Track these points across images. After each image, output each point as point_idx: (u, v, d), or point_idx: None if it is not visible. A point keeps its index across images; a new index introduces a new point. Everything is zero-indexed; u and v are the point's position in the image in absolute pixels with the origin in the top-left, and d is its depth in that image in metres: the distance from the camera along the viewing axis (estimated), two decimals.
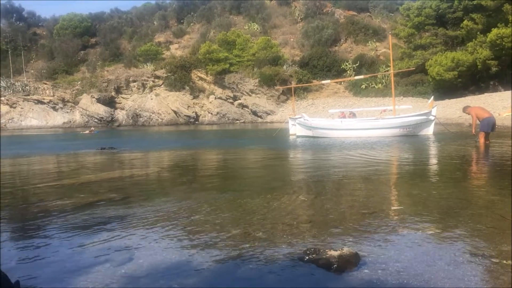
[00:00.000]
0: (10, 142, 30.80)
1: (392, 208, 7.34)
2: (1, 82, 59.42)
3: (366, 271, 4.44)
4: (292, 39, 60.33)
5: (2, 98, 58.78)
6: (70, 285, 4.42)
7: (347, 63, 52.87)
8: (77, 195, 9.42)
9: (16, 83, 59.91)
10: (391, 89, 28.21)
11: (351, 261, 4.51)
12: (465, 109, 18.21)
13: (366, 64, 52.45)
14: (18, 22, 71.84)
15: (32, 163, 17.58)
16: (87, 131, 39.16)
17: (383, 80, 49.33)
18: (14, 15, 72.60)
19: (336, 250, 4.61)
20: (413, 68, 43.00)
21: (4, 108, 59.08)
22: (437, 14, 47.26)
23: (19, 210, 8.44)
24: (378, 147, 18.30)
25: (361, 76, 37.95)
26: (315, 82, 49.18)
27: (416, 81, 46.88)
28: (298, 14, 64.29)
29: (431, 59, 44.70)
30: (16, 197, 9.94)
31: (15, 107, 59.05)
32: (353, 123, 24.96)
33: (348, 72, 52.16)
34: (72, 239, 6.09)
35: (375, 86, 49.73)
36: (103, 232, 6.32)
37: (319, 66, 53.83)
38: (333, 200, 7.87)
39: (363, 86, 49.94)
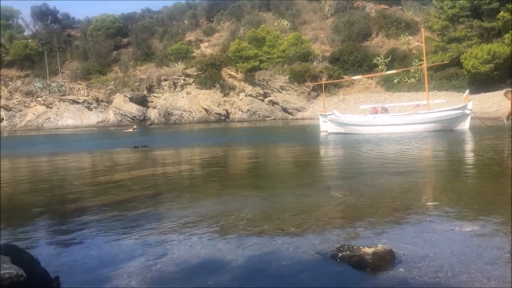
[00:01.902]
0: (48, 141, 31.72)
1: (428, 204, 7.18)
2: (38, 83, 61.30)
3: (401, 269, 4.35)
4: (322, 35, 59.81)
5: (39, 99, 60.64)
6: (107, 278, 4.51)
7: (378, 58, 52.06)
8: (112, 193, 9.60)
9: (52, 84, 61.64)
10: (424, 83, 27.60)
11: (386, 259, 4.43)
12: (507, 93, 17.90)
13: (398, 59, 51.52)
14: (53, 24, 73.78)
15: (68, 161, 18.05)
16: (130, 129, 40.04)
17: (416, 74, 48.36)
18: (49, 17, 74.55)
19: (370, 247, 4.54)
20: (447, 62, 41.94)
21: (41, 109, 60.87)
22: (472, 5, 45.92)
23: (57, 207, 8.67)
24: (412, 142, 17.95)
25: (393, 71, 37.22)
26: (346, 77, 48.57)
27: (450, 74, 45.76)
28: (328, 9, 63.66)
29: (466, 52, 43.48)
30: (54, 194, 10.22)
31: (51, 107, 60.78)
32: (386, 119, 24.55)
33: (380, 67, 51.36)
34: (108, 234, 6.21)
35: (408, 81, 48.82)
36: (137, 228, 6.43)
37: (350, 62, 53.19)
38: (366, 196, 7.76)
39: (395, 81, 49.10)
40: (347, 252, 4.54)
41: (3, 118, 60.51)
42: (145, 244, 5.63)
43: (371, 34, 58.45)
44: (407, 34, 56.31)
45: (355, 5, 64.01)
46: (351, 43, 54.85)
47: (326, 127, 25.67)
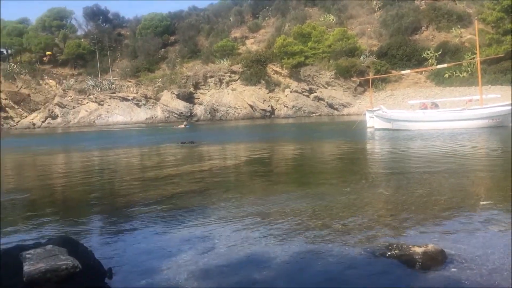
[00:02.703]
0: (100, 137, 32.86)
1: (480, 203, 6.92)
2: (90, 81, 63.59)
3: (453, 269, 4.23)
4: (369, 29, 58.66)
5: (91, 96, 62.91)
6: (157, 270, 4.63)
7: (428, 52, 50.52)
8: (161, 187, 9.84)
9: (103, 82, 63.81)
10: (477, 77, 26.57)
11: (437, 259, 4.31)
12: None
13: (449, 52, 49.83)
14: (104, 24, 76.25)
15: (119, 156, 18.64)
16: (181, 126, 40.95)
17: (469, 69, 46.59)
18: (101, 17, 77.10)
19: (420, 247, 4.43)
20: (502, 55, 40.16)
21: (93, 106, 63.13)
22: None
23: (108, 201, 8.99)
24: (463, 139, 17.32)
25: (444, 65, 36.01)
26: (394, 72, 47.42)
27: (505, 68, 43.83)
28: (376, 3, 62.34)
29: None
30: (105, 189, 10.59)
31: (102, 104, 62.93)
32: (436, 115, 23.79)
33: (430, 61, 49.84)
34: (157, 228, 6.38)
35: (460, 75, 47.13)
36: (185, 222, 6.56)
37: (398, 56, 51.93)
38: (416, 194, 7.57)
39: (446, 75, 47.53)
40: (396, 251, 4.45)
41: (57, 115, 63.15)
42: (192, 238, 5.74)
43: (420, 27, 56.74)
44: (459, 26, 54.25)
45: None
46: (400, 36, 53.49)
47: (372, 123, 25.19)
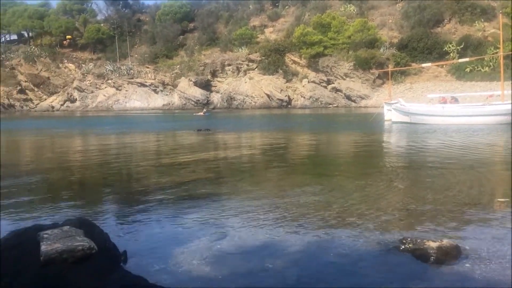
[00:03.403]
0: (118, 122, 33.16)
1: (497, 200, 6.83)
2: (109, 66, 64.08)
3: (467, 265, 4.19)
4: (390, 21, 57.88)
5: (110, 81, 63.43)
6: (170, 255, 4.69)
7: (450, 45, 49.69)
8: (176, 174, 9.91)
9: (121, 67, 64.24)
10: (499, 72, 26.05)
11: (451, 254, 4.27)
12: None
13: (471, 46, 48.93)
14: (124, 9, 76.54)
15: (135, 141, 18.80)
16: (200, 113, 41.14)
17: (491, 63, 45.73)
18: (121, 2, 77.36)
19: (435, 241, 4.40)
20: None
21: (111, 90, 63.66)
22: None
23: (124, 185, 9.09)
24: (482, 135, 17.06)
25: (466, 59, 35.39)
26: (414, 65, 46.77)
27: None
28: None
29: None
30: (121, 173, 10.71)
31: (120, 90, 63.39)
32: (456, 109, 23.43)
33: (451, 54, 49.06)
34: (171, 213, 6.44)
35: (482, 70, 46.33)
36: (199, 209, 6.61)
37: (419, 49, 51.20)
38: (431, 189, 7.50)
39: (468, 70, 46.75)
40: (410, 245, 4.43)
41: (76, 99, 63.83)
42: (206, 225, 5.78)
43: (443, 20, 55.73)
44: (482, 20, 53.16)
45: None
46: (421, 29, 52.63)
47: (390, 116, 24.93)
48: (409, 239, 4.57)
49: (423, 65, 40.19)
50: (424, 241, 4.44)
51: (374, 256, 4.47)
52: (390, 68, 41.70)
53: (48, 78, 65.43)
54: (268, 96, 54.32)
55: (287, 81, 55.61)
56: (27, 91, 65.03)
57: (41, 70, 65.55)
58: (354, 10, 60.09)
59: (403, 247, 4.48)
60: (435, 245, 4.30)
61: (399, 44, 52.50)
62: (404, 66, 47.04)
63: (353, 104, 50.83)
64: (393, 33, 55.71)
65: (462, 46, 49.28)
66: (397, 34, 55.16)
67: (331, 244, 4.89)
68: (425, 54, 50.55)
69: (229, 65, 58.56)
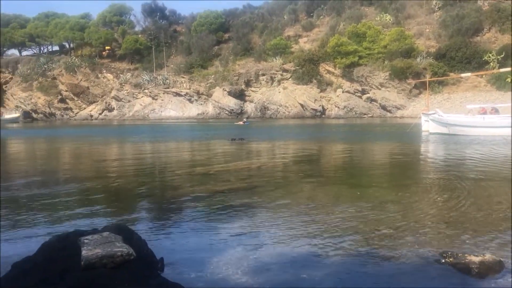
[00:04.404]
0: (153, 130, 33.76)
1: None
2: (145, 75, 65.48)
3: (510, 279, 4.03)
4: (428, 30, 56.88)
5: (146, 91, 64.74)
6: (206, 263, 4.71)
7: (490, 55, 48.39)
8: (210, 183, 9.98)
9: (158, 77, 65.50)
10: None
11: (494, 269, 4.12)
12: None
13: None
14: (161, 21, 78.21)
15: (170, 150, 19.07)
16: (240, 122, 41.44)
17: None
18: (158, 14, 79.10)
19: (476, 256, 4.26)
20: None
21: (147, 100, 64.97)
22: None
23: (159, 192, 9.21)
24: None
25: (508, 69, 34.30)
26: (453, 75, 45.71)
27: None
28: (436, 3, 60.30)
29: None
30: (156, 181, 10.87)
31: (156, 99, 64.60)
32: (497, 120, 22.74)
33: (491, 64, 47.71)
34: (206, 223, 6.48)
35: None
36: (234, 218, 6.63)
37: (457, 58, 50.05)
38: (472, 202, 7.28)
39: (509, 80, 45.38)
40: (451, 259, 4.30)
41: (113, 108, 65.41)
42: (241, 234, 5.79)
43: (482, 29, 54.34)
44: None
45: None
46: (460, 38, 51.45)
47: (428, 126, 24.41)
48: (449, 252, 4.44)
49: (463, 75, 39.24)
50: (466, 255, 4.31)
51: (413, 269, 4.36)
52: (428, 78, 40.91)
53: (88, 87, 67.41)
54: (302, 106, 54.18)
55: (321, 91, 55.34)
56: (67, 100, 67.18)
57: (81, 80, 67.60)
58: (390, 20, 59.38)
59: (443, 260, 4.36)
60: (477, 259, 4.16)
61: (436, 53, 51.48)
62: (442, 76, 46.04)
63: (389, 114, 50.08)
64: (431, 43, 54.70)
65: (502, 55, 47.91)
66: (435, 44, 54.12)
67: (368, 256, 4.81)
68: (463, 63, 49.37)
69: (263, 74, 58.80)
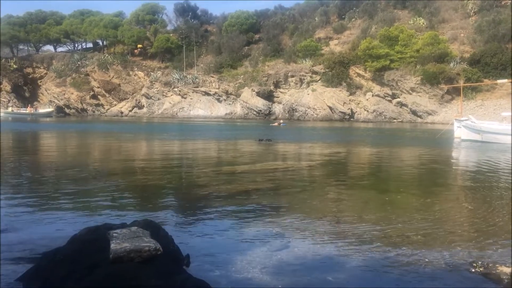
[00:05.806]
0: (182, 129, 34.11)
1: None
2: (176, 74, 66.26)
3: None
4: (462, 35, 55.68)
5: (176, 89, 65.50)
6: (230, 262, 4.73)
7: None
8: (237, 182, 10.02)
9: (187, 76, 66.19)
10: None
11: None
12: None
13: None
14: (192, 20, 78.98)
15: (198, 148, 19.24)
16: (276, 123, 41.54)
17: None
18: (190, 13, 79.91)
19: (508, 267, 4.14)
20: None
21: (177, 98, 65.76)
22: None
23: (186, 190, 9.30)
24: None
25: None
26: (487, 81, 44.62)
27: None
28: (472, 7, 58.98)
29: None
30: (183, 178, 10.98)
31: (185, 98, 65.30)
32: None
33: None
34: (231, 221, 6.51)
35: None
36: (259, 218, 6.63)
37: (493, 64, 48.84)
38: (503, 211, 7.09)
39: None
40: (481, 269, 4.20)
41: (143, 106, 66.38)
42: (266, 235, 5.78)
43: None
44: None
45: (502, 3, 58.41)
46: (496, 44, 50.16)
47: (460, 133, 23.90)
48: (479, 262, 4.34)
49: (498, 81, 38.19)
50: (497, 265, 4.20)
51: (441, 276, 4.28)
52: (461, 83, 40.04)
53: (119, 84, 68.63)
54: (331, 108, 53.81)
55: (350, 94, 54.85)
56: (99, 96, 68.57)
57: (113, 77, 68.88)
58: (423, 23, 58.35)
59: (473, 270, 4.26)
60: (508, 270, 4.05)
61: (470, 59, 50.31)
62: (476, 82, 44.98)
63: (419, 119, 49.26)
64: (465, 48, 53.51)
65: None
66: (469, 49, 52.92)
67: (395, 261, 4.74)
68: (499, 70, 48.11)
69: (292, 76, 58.66)
